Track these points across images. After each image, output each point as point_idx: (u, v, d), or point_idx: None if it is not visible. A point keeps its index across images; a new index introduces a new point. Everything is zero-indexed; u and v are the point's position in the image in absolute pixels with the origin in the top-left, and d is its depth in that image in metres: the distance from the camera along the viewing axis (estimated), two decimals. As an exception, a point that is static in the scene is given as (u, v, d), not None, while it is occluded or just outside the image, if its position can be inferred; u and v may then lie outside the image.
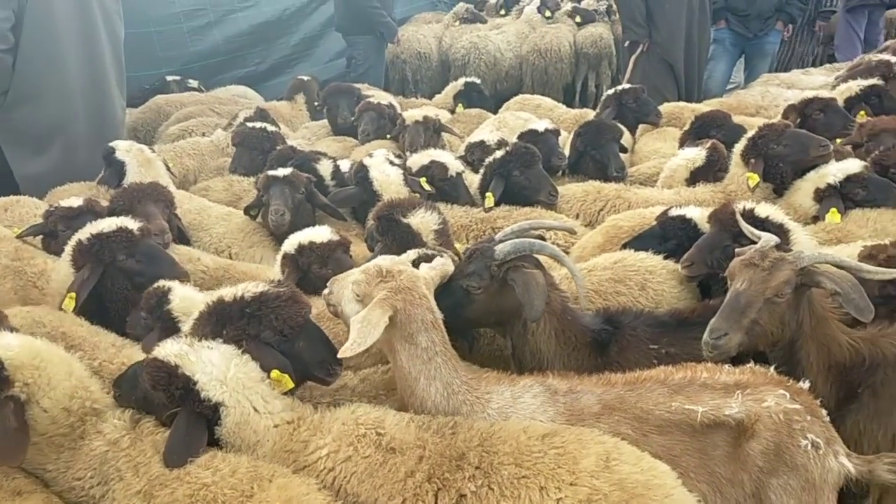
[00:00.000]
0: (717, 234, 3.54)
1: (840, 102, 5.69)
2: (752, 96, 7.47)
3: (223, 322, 2.71)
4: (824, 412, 2.62)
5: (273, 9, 11.39)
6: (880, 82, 5.89)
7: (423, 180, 4.72)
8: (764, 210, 3.49)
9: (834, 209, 4.08)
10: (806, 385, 2.66)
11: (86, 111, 6.22)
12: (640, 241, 3.90)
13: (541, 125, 5.45)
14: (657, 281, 3.60)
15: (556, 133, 5.48)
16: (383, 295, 2.65)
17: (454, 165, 4.89)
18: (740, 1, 9.20)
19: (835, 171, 4.21)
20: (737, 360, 2.82)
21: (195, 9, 10.49)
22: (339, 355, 2.55)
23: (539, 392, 2.69)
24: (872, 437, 2.87)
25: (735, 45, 9.61)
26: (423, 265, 3.02)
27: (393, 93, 10.81)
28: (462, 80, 8.45)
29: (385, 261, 2.82)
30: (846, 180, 4.16)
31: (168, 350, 2.58)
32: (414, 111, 6.51)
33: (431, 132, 6.18)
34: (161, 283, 3.32)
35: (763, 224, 3.40)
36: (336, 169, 5.08)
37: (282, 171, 4.49)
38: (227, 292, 2.79)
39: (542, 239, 3.21)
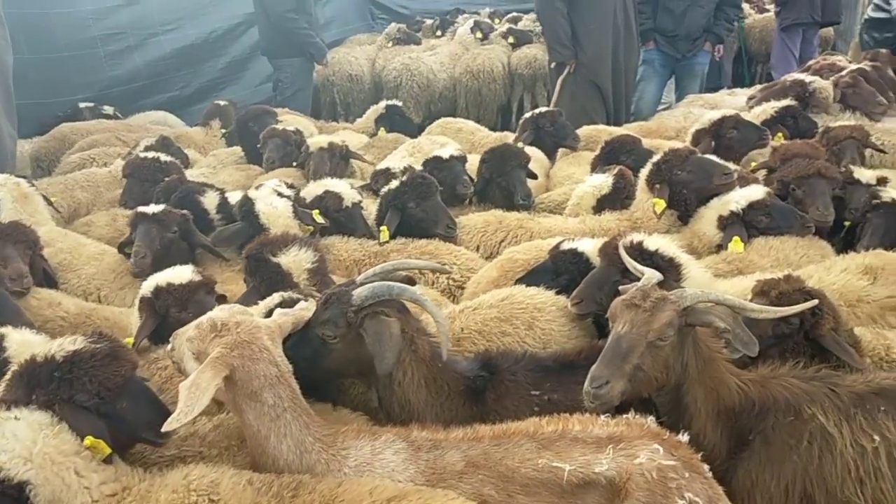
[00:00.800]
0: (606, 269, 3.34)
1: (756, 125, 5.59)
2: (674, 118, 7.36)
3: (32, 385, 2.45)
4: (706, 467, 2.44)
5: (198, 32, 11.10)
6: (794, 103, 5.81)
7: (315, 212, 4.43)
8: (653, 243, 3.29)
9: (737, 238, 3.94)
10: (685, 438, 2.47)
11: (-32, 142, 5.85)
12: (532, 277, 3.68)
13: (446, 152, 5.20)
14: (546, 319, 3.37)
15: (463, 160, 5.24)
16: (217, 353, 2.43)
17: (350, 195, 4.62)
18: (668, 22, 9.12)
19: (738, 198, 4.08)
20: (622, 406, 2.61)
21: (113, 33, 10.11)
22: (164, 428, 2.29)
23: (401, 448, 2.49)
24: (765, 488, 2.70)
25: (665, 66, 9.54)
26: (277, 311, 2.77)
27: (324, 117, 10.57)
28: (384, 104, 8.15)
29: (222, 312, 2.55)
30: (749, 207, 4.04)
31: None
32: (319, 137, 6.21)
33: (338, 159, 5.88)
34: None
35: (652, 258, 3.21)
36: (223, 201, 4.76)
37: (152, 209, 4.17)
38: (41, 351, 2.52)
39: (411, 280, 2.96)
